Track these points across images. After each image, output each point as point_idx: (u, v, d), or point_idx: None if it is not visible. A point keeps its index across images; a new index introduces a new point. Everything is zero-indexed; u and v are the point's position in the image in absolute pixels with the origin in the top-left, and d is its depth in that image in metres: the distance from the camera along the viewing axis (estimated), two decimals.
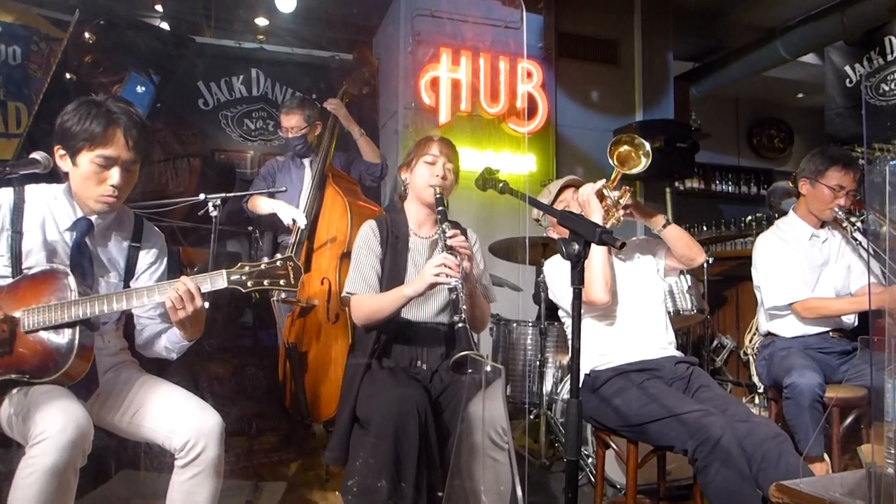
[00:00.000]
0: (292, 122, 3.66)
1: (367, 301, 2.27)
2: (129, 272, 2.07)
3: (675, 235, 2.46)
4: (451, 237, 2.15)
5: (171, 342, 2.05)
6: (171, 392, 1.96)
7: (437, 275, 2.07)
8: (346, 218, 3.17)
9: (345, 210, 3.20)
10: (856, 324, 2.96)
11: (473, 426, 2.06)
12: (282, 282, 1.89)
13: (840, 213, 2.85)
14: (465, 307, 2.02)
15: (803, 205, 3.02)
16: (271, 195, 3.59)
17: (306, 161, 3.70)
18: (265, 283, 1.88)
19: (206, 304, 1.91)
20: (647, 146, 2.39)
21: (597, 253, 2.38)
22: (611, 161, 2.40)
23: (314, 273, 3.28)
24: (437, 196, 2.30)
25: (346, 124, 3.64)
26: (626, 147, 2.42)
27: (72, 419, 1.65)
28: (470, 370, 1.97)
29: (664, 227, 2.45)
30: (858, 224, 2.86)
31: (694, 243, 2.48)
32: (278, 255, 1.92)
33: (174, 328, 1.98)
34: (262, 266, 1.89)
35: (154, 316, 2.08)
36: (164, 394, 1.95)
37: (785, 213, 3.17)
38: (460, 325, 1.98)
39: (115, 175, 1.92)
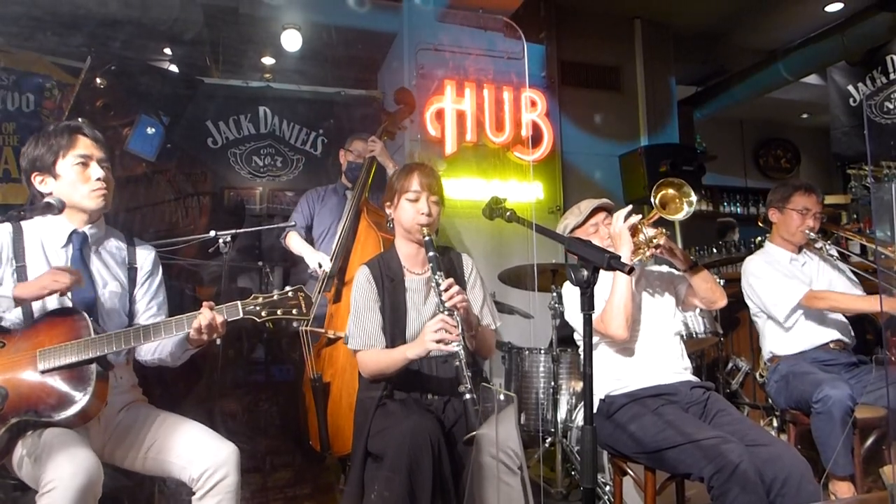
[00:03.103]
0: (358, 147, 3.77)
1: (373, 360, 2.26)
2: (131, 282, 2.14)
3: (701, 278, 2.45)
4: (445, 289, 2.11)
5: (177, 348, 2.07)
6: (186, 426, 1.98)
7: (438, 341, 2.05)
8: (379, 252, 3.16)
9: (378, 244, 3.19)
10: (854, 342, 3.06)
11: (484, 450, 2.04)
12: (294, 311, 1.95)
13: (811, 234, 3.06)
14: (468, 374, 2.00)
15: (776, 233, 3.22)
16: (308, 232, 3.71)
17: (349, 193, 3.75)
18: (278, 312, 1.94)
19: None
20: (694, 196, 2.36)
21: (620, 287, 2.36)
22: (652, 200, 2.37)
23: (343, 305, 3.27)
24: (427, 239, 2.25)
25: (381, 160, 3.68)
26: (671, 191, 2.39)
27: (81, 467, 1.65)
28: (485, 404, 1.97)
29: (691, 268, 2.44)
30: (828, 245, 3.10)
31: (717, 287, 2.47)
32: (289, 287, 1.98)
33: (180, 343, 2.03)
34: (275, 297, 1.95)
35: None
36: (180, 428, 1.96)
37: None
38: (467, 396, 1.97)
39: (96, 169, 2.04)
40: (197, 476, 1.83)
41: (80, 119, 2.13)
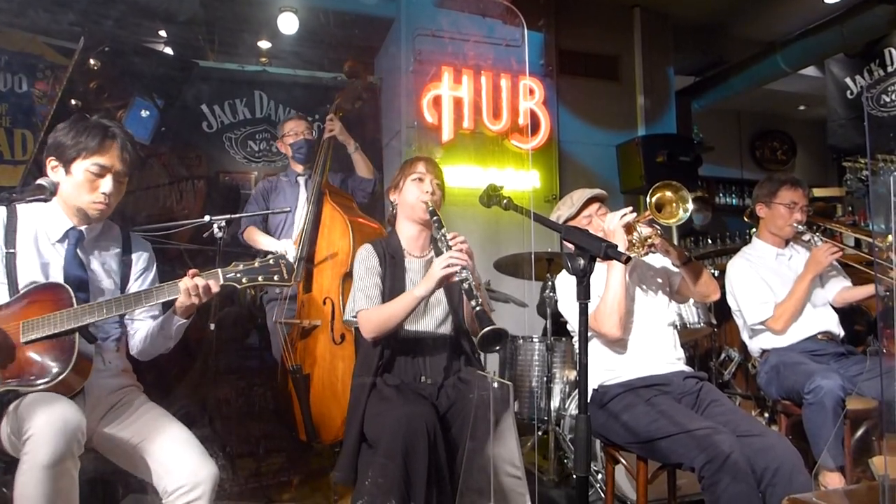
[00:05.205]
0: (291, 127, 3.70)
1: (377, 311, 2.29)
2: (125, 279, 2.12)
3: (695, 272, 2.45)
4: (451, 239, 2.20)
5: (168, 327, 2.06)
6: (174, 431, 1.94)
7: (447, 266, 2.12)
8: (347, 236, 3.14)
9: (346, 228, 3.16)
10: (842, 334, 3.11)
11: (501, 471, 2.08)
12: (275, 277, 1.97)
13: (799, 227, 3.09)
14: (477, 294, 2.07)
15: (764, 228, 3.25)
16: (265, 224, 3.63)
17: (301, 179, 3.69)
18: (259, 279, 1.96)
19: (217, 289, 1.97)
20: (691, 203, 2.34)
21: (614, 285, 2.35)
22: (648, 200, 2.34)
23: (315, 293, 3.25)
24: (430, 209, 2.36)
25: (341, 138, 3.63)
26: (669, 193, 2.36)
27: (55, 411, 1.65)
28: (498, 348, 2.03)
29: (685, 263, 2.44)
30: (817, 237, 3.11)
31: (711, 281, 2.48)
32: (270, 254, 2.00)
33: (167, 317, 2.03)
34: (256, 264, 1.97)
35: (145, 317, 2.11)
36: (167, 432, 1.93)
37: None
38: (478, 308, 2.03)
39: (107, 183, 1.99)
40: (171, 490, 1.80)
41: (115, 123, 2.06)
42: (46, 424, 1.62)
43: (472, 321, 2.32)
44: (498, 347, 2.04)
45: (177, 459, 1.85)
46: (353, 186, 3.76)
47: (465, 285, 2.10)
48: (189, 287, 1.90)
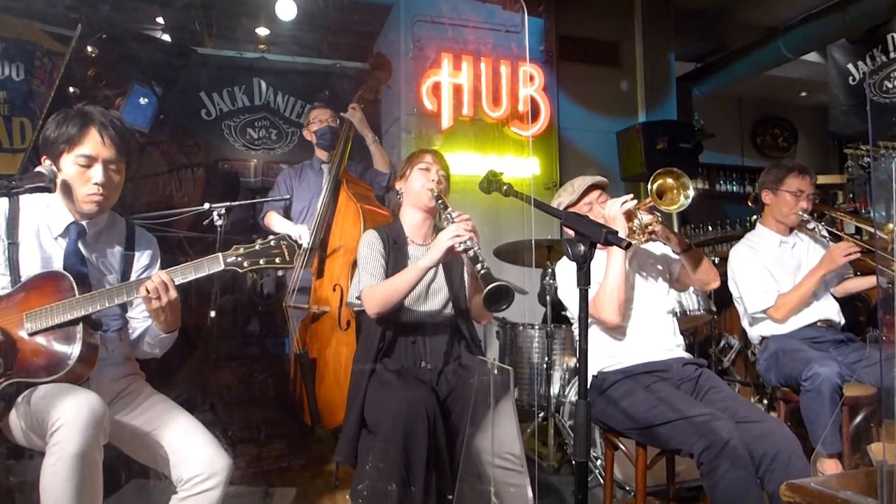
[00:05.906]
0: (316, 115, 3.74)
1: (380, 286, 2.29)
2: (125, 276, 2.09)
3: (695, 260, 2.44)
4: (457, 216, 2.24)
5: (151, 337, 2.06)
6: (187, 422, 1.94)
7: (454, 237, 2.14)
8: (358, 224, 3.15)
9: (357, 216, 3.19)
10: (843, 322, 3.09)
11: (486, 462, 2.07)
12: (277, 259, 1.92)
13: (804, 215, 3.06)
14: (482, 259, 2.09)
15: (769, 215, 3.22)
16: (287, 211, 3.67)
17: (325, 167, 3.71)
18: (261, 262, 1.91)
19: (175, 296, 1.91)
20: (692, 190, 2.32)
21: (614, 271, 2.35)
22: (649, 187, 2.33)
23: (326, 279, 3.27)
24: (436, 195, 2.40)
25: (360, 129, 3.64)
26: (670, 180, 2.34)
27: (84, 401, 1.65)
28: (504, 306, 2.04)
29: (685, 250, 2.43)
30: (821, 226, 3.10)
31: (711, 268, 2.47)
32: (271, 236, 1.95)
33: (151, 326, 2.01)
34: (257, 246, 1.92)
35: (144, 318, 2.09)
36: (180, 422, 1.93)
37: None
38: (482, 272, 2.05)
39: (97, 173, 1.93)
40: (186, 478, 1.81)
41: (95, 107, 1.99)
42: (77, 414, 1.61)
43: (474, 293, 2.34)
44: (505, 306, 2.05)
45: (193, 449, 1.85)
46: (370, 179, 3.78)
47: (470, 253, 2.12)
48: (150, 291, 1.84)
